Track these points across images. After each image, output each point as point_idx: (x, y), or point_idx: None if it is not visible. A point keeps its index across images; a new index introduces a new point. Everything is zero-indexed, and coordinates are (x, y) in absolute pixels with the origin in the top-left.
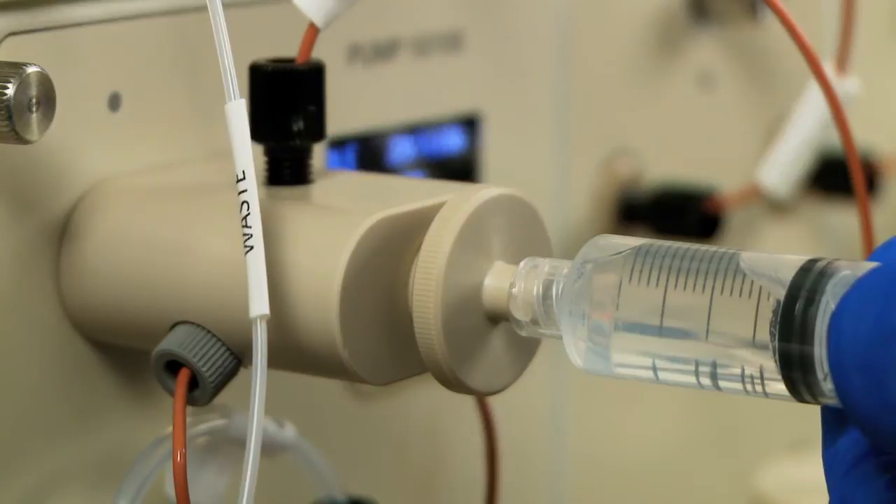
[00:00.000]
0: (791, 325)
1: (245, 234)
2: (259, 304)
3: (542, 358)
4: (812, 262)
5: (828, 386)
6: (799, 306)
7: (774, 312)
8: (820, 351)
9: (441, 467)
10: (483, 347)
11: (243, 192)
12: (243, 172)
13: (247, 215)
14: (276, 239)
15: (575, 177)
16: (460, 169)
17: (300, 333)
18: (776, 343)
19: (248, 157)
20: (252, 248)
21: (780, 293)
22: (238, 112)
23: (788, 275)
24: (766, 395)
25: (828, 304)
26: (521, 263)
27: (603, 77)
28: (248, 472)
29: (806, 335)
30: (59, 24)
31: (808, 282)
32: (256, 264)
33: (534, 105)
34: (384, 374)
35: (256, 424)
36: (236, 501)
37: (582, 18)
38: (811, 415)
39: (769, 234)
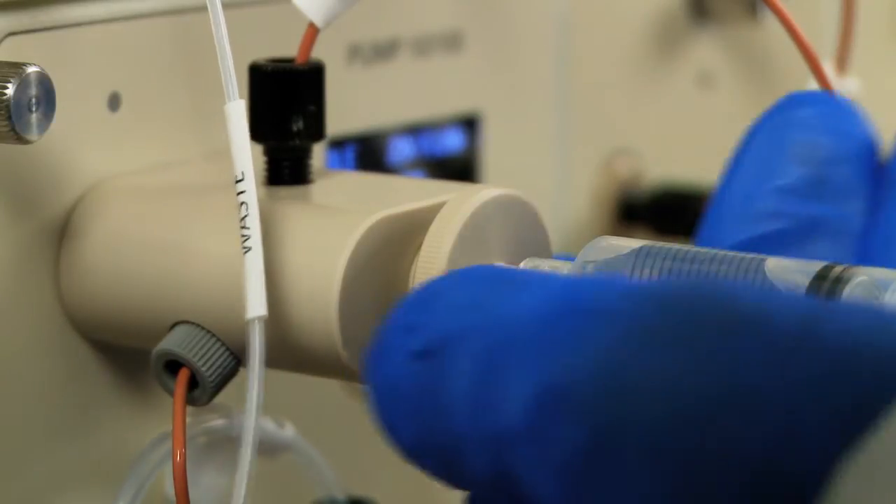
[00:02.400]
0: None
1: (243, 236)
2: (256, 306)
3: None
4: (828, 268)
5: None
6: None
7: None
8: None
9: None
10: None
11: (242, 192)
12: (242, 173)
13: (245, 216)
14: (275, 239)
15: (575, 177)
16: (460, 169)
17: (300, 333)
18: None
19: (247, 157)
20: (250, 249)
21: None
22: (237, 112)
23: (804, 282)
24: None
25: None
26: (521, 264)
27: (603, 77)
28: (243, 477)
29: None
30: (59, 24)
31: (824, 290)
32: (254, 266)
33: (534, 105)
34: None
35: (254, 426)
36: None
37: (582, 18)
38: None
39: None
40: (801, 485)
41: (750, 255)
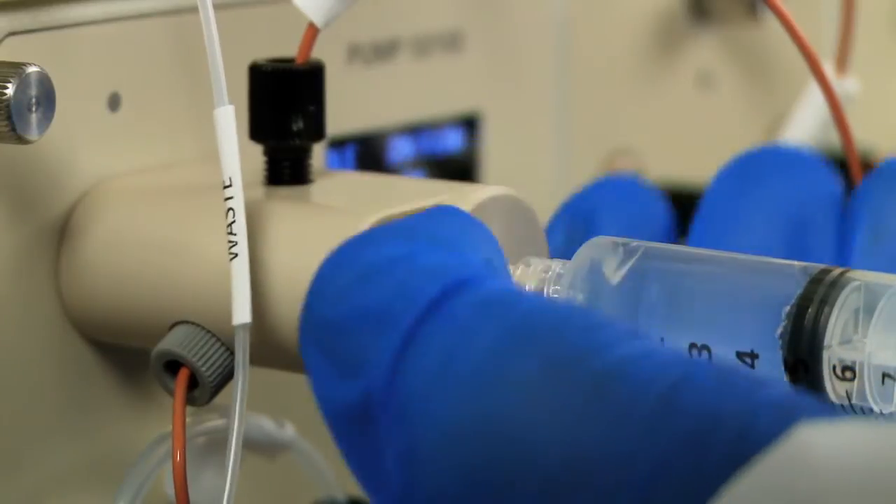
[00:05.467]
0: (800, 336)
1: (230, 242)
2: (242, 313)
3: None
4: (824, 272)
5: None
6: (809, 316)
7: (785, 322)
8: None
9: None
10: None
11: (229, 198)
12: (230, 179)
13: (232, 223)
14: (274, 239)
15: (575, 177)
16: (460, 169)
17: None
18: (784, 353)
19: (235, 163)
20: (236, 255)
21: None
22: (226, 118)
23: (800, 286)
24: None
25: (839, 314)
26: (518, 263)
27: (603, 77)
28: (231, 480)
29: (815, 346)
30: (59, 24)
31: (820, 294)
32: (240, 272)
33: (534, 105)
34: None
35: (238, 431)
36: (237, 502)
37: (582, 18)
38: None
39: None
40: None
41: (741, 256)
